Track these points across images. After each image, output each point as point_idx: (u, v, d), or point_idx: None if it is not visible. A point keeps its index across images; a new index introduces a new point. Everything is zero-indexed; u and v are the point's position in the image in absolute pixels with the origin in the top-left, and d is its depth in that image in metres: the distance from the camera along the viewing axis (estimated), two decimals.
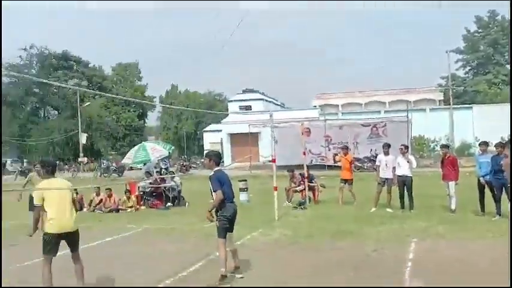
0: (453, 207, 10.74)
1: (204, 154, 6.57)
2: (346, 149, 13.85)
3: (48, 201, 5.37)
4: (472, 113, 34.86)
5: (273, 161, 11.65)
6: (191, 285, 5.96)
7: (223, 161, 6.09)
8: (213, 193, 6.05)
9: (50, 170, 5.75)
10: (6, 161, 42.13)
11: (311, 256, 7.30)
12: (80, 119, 40.26)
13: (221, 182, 6.02)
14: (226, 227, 6.01)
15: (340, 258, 7.01)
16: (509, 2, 47.58)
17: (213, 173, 6.17)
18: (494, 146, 10.01)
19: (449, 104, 35.69)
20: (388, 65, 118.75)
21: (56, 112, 53.17)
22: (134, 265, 7.06)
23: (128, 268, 6.86)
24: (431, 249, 7.37)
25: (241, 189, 14.08)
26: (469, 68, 60.29)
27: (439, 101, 48.79)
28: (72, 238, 5.48)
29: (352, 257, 7.03)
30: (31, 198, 9.01)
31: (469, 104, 42.17)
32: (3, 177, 33.47)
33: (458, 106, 37.78)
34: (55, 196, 5.39)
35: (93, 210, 13.36)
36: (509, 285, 3.72)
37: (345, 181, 12.93)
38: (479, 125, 32.02)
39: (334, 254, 7.37)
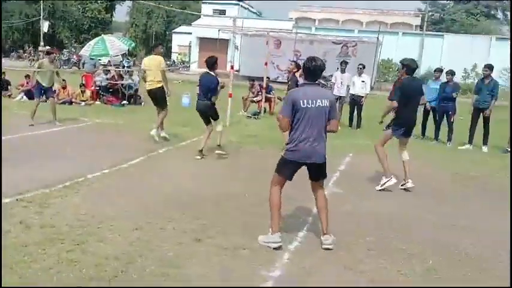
0: None
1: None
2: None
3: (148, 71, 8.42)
4: (442, 41, 34.79)
5: (231, 67, 11.61)
6: (126, 175, 6.17)
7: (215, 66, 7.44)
8: None
9: (153, 49, 8.84)
10: None
11: (244, 160, 7.67)
12: (42, 4, 37.84)
13: (200, 82, 7.44)
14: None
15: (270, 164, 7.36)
16: (509, 2, 46.15)
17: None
18: (445, 73, 10.26)
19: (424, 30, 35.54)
20: None
21: None
22: (80, 152, 7.21)
23: (73, 154, 7.00)
24: (361, 163, 7.82)
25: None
26: None
27: (416, 26, 48.17)
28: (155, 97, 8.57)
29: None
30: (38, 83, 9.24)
31: (445, 32, 41.89)
32: None
33: (430, 33, 37.36)
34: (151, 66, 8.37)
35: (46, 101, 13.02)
36: (509, 285, 3.90)
37: None
38: (448, 54, 32.19)
39: (267, 160, 7.69)
